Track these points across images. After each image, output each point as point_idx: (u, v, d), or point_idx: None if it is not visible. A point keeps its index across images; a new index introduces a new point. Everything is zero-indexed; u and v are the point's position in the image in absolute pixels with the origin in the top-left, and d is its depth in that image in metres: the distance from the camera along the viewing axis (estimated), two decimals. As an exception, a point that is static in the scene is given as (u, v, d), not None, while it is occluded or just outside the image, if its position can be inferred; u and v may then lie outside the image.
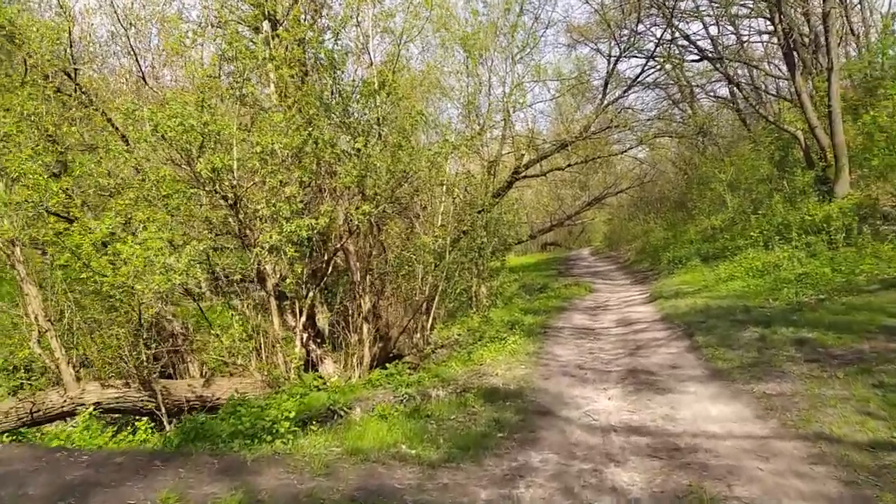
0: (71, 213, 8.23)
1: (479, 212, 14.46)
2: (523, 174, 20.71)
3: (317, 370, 10.24)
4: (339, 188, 9.70)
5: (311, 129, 8.59)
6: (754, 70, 23.79)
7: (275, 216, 8.77)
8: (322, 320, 11.67)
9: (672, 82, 26.47)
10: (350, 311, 11.50)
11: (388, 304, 14.67)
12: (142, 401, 8.17)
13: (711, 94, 27.95)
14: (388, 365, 9.54)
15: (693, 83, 26.68)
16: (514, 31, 17.92)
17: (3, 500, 3.94)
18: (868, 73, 20.51)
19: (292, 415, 5.40)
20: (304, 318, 9.81)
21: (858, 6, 23.35)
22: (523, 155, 20.39)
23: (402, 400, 7.07)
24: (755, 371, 6.82)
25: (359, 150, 9.09)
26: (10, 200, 7.03)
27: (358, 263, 11.03)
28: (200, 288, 10.52)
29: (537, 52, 39.72)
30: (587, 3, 21.98)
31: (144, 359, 8.28)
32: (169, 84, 16.94)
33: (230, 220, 9.18)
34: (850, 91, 20.78)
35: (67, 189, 8.16)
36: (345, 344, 10.80)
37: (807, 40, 18.88)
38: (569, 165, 23.64)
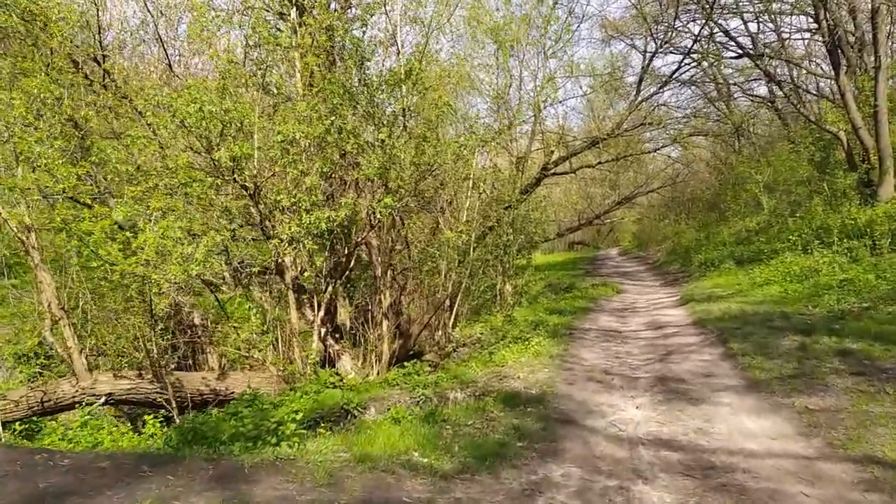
0: (82, 200, 8.08)
1: (506, 208, 14.11)
2: (552, 171, 20.27)
3: (334, 366, 10.01)
4: (362, 180, 9.44)
5: (333, 118, 8.32)
6: (795, 69, 23.01)
7: (295, 207, 8.55)
8: (343, 314, 11.45)
9: (708, 80, 25.79)
10: (370, 307, 11.26)
11: (410, 300, 14.42)
12: (155, 393, 8.02)
13: (749, 92, 27.20)
14: (406, 364, 9.27)
15: (730, 81, 25.99)
16: (548, 24, 17.49)
17: None
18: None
19: (299, 416, 5.12)
20: (322, 313, 9.58)
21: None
22: (553, 151, 19.97)
23: (418, 401, 6.78)
24: (796, 383, 6.36)
25: (383, 141, 8.81)
26: (20, 185, 6.89)
27: (379, 258, 10.78)
28: (222, 279, 10.39)
29: (571, 47, 39.09)
30: (623, -4, 21.39)
31: (156, 350, 8.10)
32: (198, 73, 16.91)
33: (251, 210, 8.99)
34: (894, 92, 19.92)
35: (85, 175, 8.03)
36: (364, 340, 10.55)
37: (852, 38, 18.15)
38: (599, 163, 23.17)
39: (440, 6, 11.17)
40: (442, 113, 9.18)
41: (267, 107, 9.19)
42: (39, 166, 7.04)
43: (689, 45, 20.77)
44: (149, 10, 13.23)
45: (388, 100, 9.14)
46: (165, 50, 12.48)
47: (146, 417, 6.57)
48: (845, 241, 12.64)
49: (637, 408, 6.25)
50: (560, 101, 22.88)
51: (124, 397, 7.95)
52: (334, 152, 8.87)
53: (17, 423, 7.34)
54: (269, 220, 8.74)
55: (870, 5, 15.68)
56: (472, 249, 12.51)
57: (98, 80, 10.73)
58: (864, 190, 15.09)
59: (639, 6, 20.99)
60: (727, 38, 21.10)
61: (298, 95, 9.63)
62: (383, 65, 11.09)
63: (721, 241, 20.35)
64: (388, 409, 6.79)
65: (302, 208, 8.37)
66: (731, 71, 24.61)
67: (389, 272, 10.96)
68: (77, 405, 7.58)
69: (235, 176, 8.10)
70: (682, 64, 21.06)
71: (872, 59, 16.47)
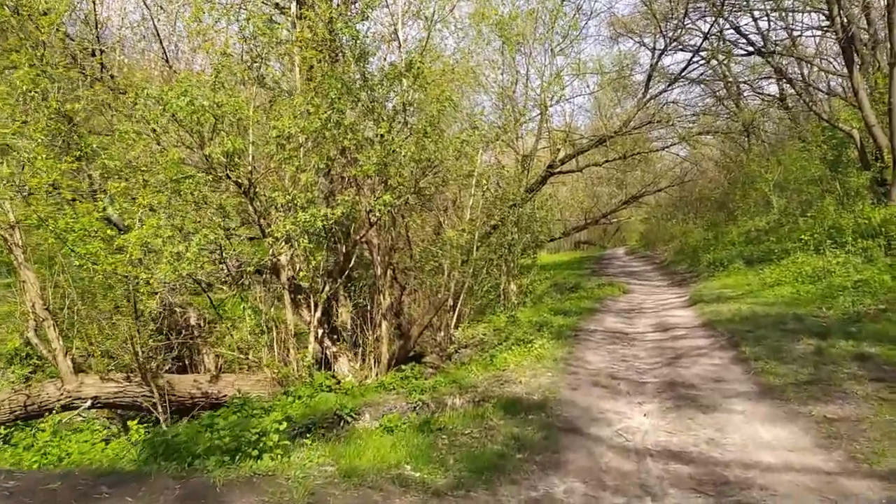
0: (64, 195, 7.78)
1: (511, 206, 13.80)
2: (558, 169, 19.95)
3: (332, 368, 9.73)
4: (361, 177, 9.14)
5: (331, 112, 8.04)
6: (806, 67, 22.62)
7: (291, 205, 8.27)
8: (344, 315, 11.17)
9: (718, 79, 25.42)
10: (370, 307, 10.98)
11: (412, 300, 14.13)
12: (143, 396, 7.76)
13: (759, 90, 26.81)
14: (403, 367, 8.97)
15: (740, 79, 25.61)
16: (555, 20, 17.17)
17: None
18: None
19: (283, 426, 4.80)
20: (319, 313, 9.29)
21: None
22: (559, 150, 19.65)
23: (414, 407, 6.48)
24: (812, 390, 6.03)
25: (382, 136, 8.51)
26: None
27: (379, 257, 10.49)
28: (216, 278, 10.14)
29: (578, 44, 38.70)
30: (631, -9, 21.07)
31: (144, 351, 7.83)
32: (199, 71, 16.67)
33: (247, 207, 8.72)
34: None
35: (72, 170, 7.76)
36: (362, 341, 10.26)
37: (865, 35, 17.78)
38: (606, 161, 22.86)
39: (443, 0, 10.86)
40: (444, 108, 8.85)
41: (263, 102, 8.92)
42: (21, 160, 6.78)
43: (698, 43, 20.54)
44: (146, 5, 12.99)
45: (388, 94, 8.83)
46: (163, 45, 12.23)
47: (130, 423, 6.27)
48: (859, 241, 12.27)
49: (645, 415, 5.93)
50: (567, 99, 22.47)
51: (112, 401, 7.70)
52: (332, 148, 8.58)
53: (2, 428, 7.08)
54: (265, 218, 8.45)
55: (884, 1, 15.30)
56: (475, 248, 12.22)
57: (93, 75, 10.51)
58: (878, 189, 14.71)
59: (648, 3, 20.67)
60: (737, 36, 20.77)
61: (297, 90, 9.35)
62: (385, 60, 10.81)
63: (730, 241, 19.98)
64: (383, 416, 6.51)
65: (298, 206, 8.09)
66: (741, 69, 24.27)
67: (389, 272, 10.67)
68: (64, 409, 7.32)
69: (229, 172, 7.82)
70: (692, 61, 20.77)
71: (886, 56, 16.10)
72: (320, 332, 9.60)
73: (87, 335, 8.32)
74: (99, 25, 12.23)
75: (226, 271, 9.35)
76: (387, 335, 10.18)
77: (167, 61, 12.06)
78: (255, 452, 4.52)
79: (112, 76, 10.54)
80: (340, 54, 10.25)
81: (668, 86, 21.01)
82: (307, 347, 9.17)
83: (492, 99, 17.28)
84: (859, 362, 6.62)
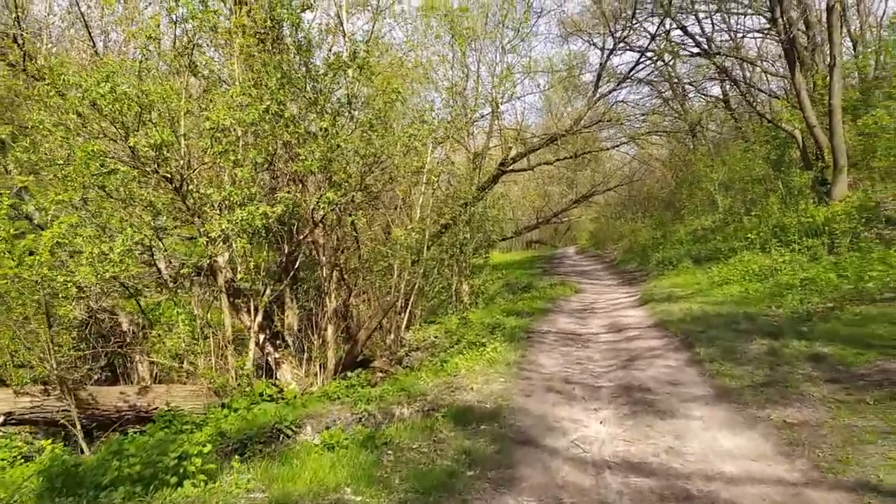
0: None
1: (463, 205, 13.48)
2: (510, 167, 19.77)
3: (275, 376, 9.20)
4: (304, 174, 8.64)
5: (269, 103, 7.53)
6: (749, 68, 23.14)
7: (226, 202, 7.73)
8: (291, 318, 10.65)
9: (664, 79, 25.82)
10: (317, 311, 10.49)
11: (361, 302, 13.65)
12: (62, 411, 7.09)
13: (703, 92, 27.38)
14: (349, 374, 8.53)
15: (685, 81, 26.09)
16: (505, 16, 16.95)
17: None
18: (869, 73, 19.95)
19: (207, 449, 4.31)
20: (259, 318, 8.75)
21: (854, 8, 22.71)
22: (511, 148, 19.48)
23: (360, 418, 6.06)
24: (769, 392, 5.89)
25: (325, 130, 8.05)
26: None
27: (325, 258, 10.00)
28: (153, 280, 9.49)
29: (529, 42, 38.87)
30: (581, -10, 21.12)
31: (57, 361, 7.14)
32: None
33: (180, 205, 8.12)
34: (847, 91, 20.14)
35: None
36: (308, 347, 9.76)
37: (804, 38, 18.23)
38: (557, 160, 22.85)
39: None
40: (391, 100, 8.44)
41: (198, 92, 8.33)
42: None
43: (645, 44, 20.76)
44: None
45: (332, 87, 8.36)
46: (90, 32, 11.40)
47: (43, 443, 5.63)
48: (804, 239, 12.43)
49: (601, 423, 5.66)
50: (518, 97, 22.44)
51: (27, 417, 7.01)
52: (272, 142, 8.06)
53: None
54: (199, 217, 7.88)
55: (823, 5, 15.66)
56: (426, 248, 11.86)
57: (13, 63, 9.73)
58: (820, 188, 15.01)
59: (598, 2, 20.75)
60: (684, 36, 21.03)
61: (235, 80, 8.79)
62: (330, 51, 10.33)
63: (678, 240, 20.19)
64: (327, 428, 6.07)
65: (235, 203, 7.56)
66: (686, 69, 24.69)
67: (336, 273, 10.20)
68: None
69: (158, 166, 7.23)
70: (640, 61, 21.02)
71: (827, 58, 16.47)
72: (261, 337, 9.08)
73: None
74: (20, 9, 11.36)
75: (157, 273, 8.74)
76: (333, 340, 9.72)
77: (95, 50, 11.25)
78: (175, 480, 4.01)
79: (37, 66, 9.78)
80: (283, 44, 9.73)
81: (618, 85, 21.19)
82: (247, 354, 8.64)
83: (442, 96, 16.93)
84: (813, 363, 6.54)
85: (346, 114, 8.83)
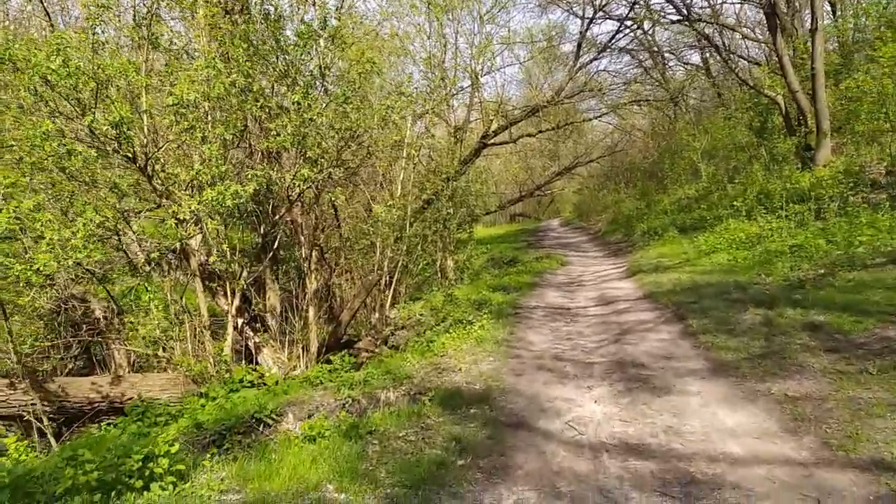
0: None
1: (446, 180, 13.14)
2: (492, 141, 19.40)
3: (256, 361, 8.88)
4: (278, 150, 8.23)
5: (235, 76, 7.09)
6: (728, 36, 22.89)
7: (195, 182, 7.33)
8: (273, 299, 10.29)
9: (644, 48, 25.53)
10: (297, 292, 10.16)
11: (346, 280, 13.34)
12: (31, 404, 6.73)
13: (684, 60, 27.17)
14: (334, 355, 8.23)
15: (664, 49, 25.84)
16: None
17: None
18: (849, 36, 19.77)
19: (174, 448, 3.98)
20: (237, 301, 8.40)
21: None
22: (492, 121, 19.09)
23: (344, 404, 5.78)
24: (767, 364, 5.69)
25: (297, 103, 7.63)
26: None
27: (304, 237, 9.64)
28: (123, 265, 9.07)
29: (507, 12, 38.19)
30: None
31: (18, 352, 6.75)
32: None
33: (145, 185, 7.69)
34: (828, 55, 19.97)
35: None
36: (289, 329, 9.44)
37: (783, 4, 17.97)
38: (540, 132, 22.54)
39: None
40: (365, 71, 8.03)
41: (160, 66, 7.85)
42: None
43: (625, 12, 20.38)
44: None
45: (302, 57, 7.90)
46: (44, 5, 10.75)
47: (8, 440, 5.27)
48: (791, 206, 12.27)
49: (596, 402, 5.42)
50: (498, 69, 22.06)
51: (-9, 413, 6.64)
52: (240, 118, 7.63)
53: None
54: (168, 198, 7.46)
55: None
56: (408, 224, 11.53)
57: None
58: (804, 154, 14.88)
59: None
60: (665, 2, 20.66)
61: (199, 53, 8.31)
62: (301, 21, 9.83)
63: (662, 210, 20.05)
64: (310, 416, 5.79)
65: (204, 183, 7.15)
66: (665, 38, 24.44)
67: (316, 252, 9.85)
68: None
69: (119, 145, 6.78)
70: (620, 29, 20.66)
71: (807, 22, 16.19)
72: (240, 321, 8.73)
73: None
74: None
75: (127, 258, 8.34)
76: (315, 321, 9.41)
77: (52, 26, 10.62)
78: (140, 483, 3.69)
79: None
80: (250, 14, 9.23)
81: (599, 53, 20.88)
82: (226, 339, 8.30)
83: (420, 68, 16.44)
84: (810, 332, 6.35)
85: (319, 86, 8.41)
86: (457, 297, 10.84)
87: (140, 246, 8.47)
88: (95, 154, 6.55)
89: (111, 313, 10.23)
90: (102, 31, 6.91)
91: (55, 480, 3.53)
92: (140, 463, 3.74)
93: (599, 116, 24.89)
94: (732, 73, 20.13)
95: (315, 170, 7.79)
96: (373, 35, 12.37)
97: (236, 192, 6.90)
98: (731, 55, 21.92)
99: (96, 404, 7.24)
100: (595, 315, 9.15)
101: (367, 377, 6.32)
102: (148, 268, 8.51)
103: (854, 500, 3.35)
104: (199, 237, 8.29)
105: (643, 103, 25.83)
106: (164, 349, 8.46)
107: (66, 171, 7.06)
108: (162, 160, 7.83)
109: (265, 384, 7.45)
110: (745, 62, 23.32)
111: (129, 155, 6.88)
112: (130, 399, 7.27)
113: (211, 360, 7.85)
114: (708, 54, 25.69)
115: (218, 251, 7.71)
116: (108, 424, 6.46)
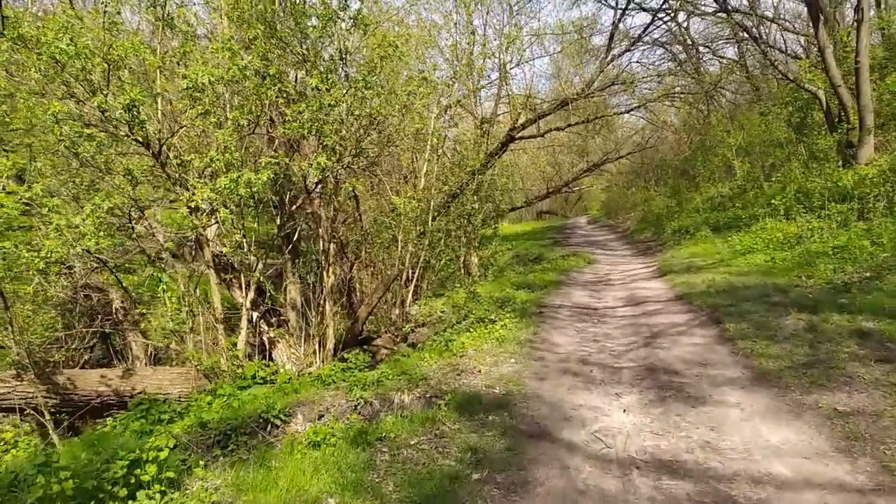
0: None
1: (471, 174, 12.78)
2: (520, 134, 18.96)
3: (271, 357, 8.63)
4: (294, 137, 7.90)
5: (251, 57, 6.81)
6: (765, 29, 22.13)
7: (209, 169, 7.07)
8: (294, 292, 10.04)
9: (678, 42, 24.80)
10: (316, 286, 9.89)
11: (370, 274, 13.07)
12: (40, 397, 6.55)
13: (719, 54, 26.37)
14: (350, 352, 7.94)
15: (699, 43, 25.09)
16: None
17: None
18: (894, 29, 18.93)
19: (164, 455, 3.68)
20: (252, 294, 8.14)
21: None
22: (520, 114, 18.66)
23: (355, 406, 5.47)
24: (813, 374, 5.23)
25: (316, 88, 7.32)
26: None
27: (322, 229, 9.36)
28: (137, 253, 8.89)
29: (538, 2, 37.61)
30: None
31: (24, 342, 6.55)
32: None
33: (159, 172, 7.46)
34: (873, 49, 19.13)
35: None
36: (306, 324, 9.17)
37: (827, -6, 17.24)
38: (569, 126, 21.96)
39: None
40: (387, 55, 7.67)
41: (171, 44, 7.60)
42: None
43: (659, 3, 19.75)
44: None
45: (321, 38, 7.56)
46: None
47: (6, 435, 5.06)
48: (831, 205, 11.66)
49: (625, 411, 5.02)
50: (527, 61, 21.54)
51: (-1, 405, 6.47)
52: (256, 103, 7.35)
53: None
54: (181, 185, 7.22)
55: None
56: (430, 219, 11.19)
57: None
58: (846, 151, 14.19)
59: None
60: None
61: (220, 34, 8.06)
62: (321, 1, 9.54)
63: (694, 208, 19.43)
64: (320, 416, 5.50)
65: (217, 170, 6.89)
66: (699, 29, 23.74)
67: (334, 245, 9.56)
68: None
69: (131, 130, 6.54)
70: (654, 20, 20.00)
71: (850, 14, 15.45)
72: (255, 315, 8.49)
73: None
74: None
75: (140, 247, 8.15)
76: (331, 317, 9.13)
77: (72, 7, 10.46)
78: (124, 492, 3.41)
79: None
80: None
81: (631, 45, 20.20)
82: (240, 333, 8.05)
83: (445, 56, 16.06)
84: (858, 339, 5.86)
85: (341, 72, 8.09)
86: (479, 295, 10.49)
87: (156, 236, 8.27)
88: (105, 137, 6.31)
89: (129, 303, 10.09)
90: (117, 11, 6.66)
91: (26, 491, 3.25)
92: (125, 469, 3.45)
93: (631, 110, 24.22)
94: (772, 66, 19.39)
95: (333, 158, 7.48)
96: (398, 21, 12.03)
97: (249, 181, 6.62)
98: (770, 48, 21.15)
99: (105, 398, 7.04)
100: (624, 316, 8.71)
101: (380, 377, 5.99)
102: (162, 258, 8.32)
103: (926, 538, 2.92)
104: (214, 227, 8.06)
105: (676, 98, 25.14)
106: (177, 342, 8.25)
107: (80, 156, 6.87)
108: (177, 146, 7.60)
109: (276, 382, 7.18)
110: (783, 56, 22.52)
111: (142, 139, 6.65)
112: (140, 393, 7.07)
113: (224, 354, 7.60)
114: (745, 47, 24.88)
115: (232, 242, 7.45)
116: (115, 420, 6.25)
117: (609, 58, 19.71)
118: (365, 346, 9.60)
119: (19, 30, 5.86)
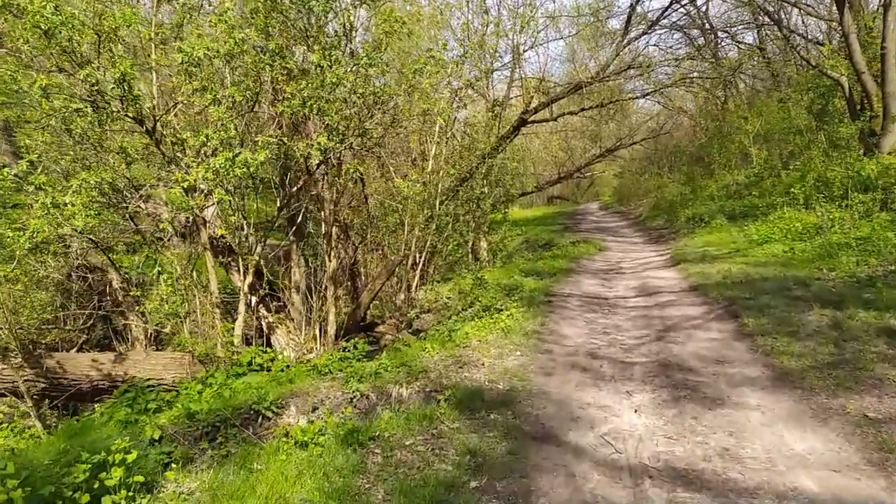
0: None
1: (481, 157, 12.42)
2: (532, 118, 18.52)
3: (269, 343, 8.37)
4: (294, 116, 7.56)
5: (248, 30, 6.47)
6: (786, 14, 21.45)
7: (205, 148, 6.76)
8: (298, 276, 9.78)
9: (696, 27, 24.17)
10: (319, 270, 9.61)
11: (373, 260, 12.79)
12: (26, 381, 6.32)
13: (738, 39, 25.68)
14: (352, 338, 7.66)
15: (717, 27, 24.43)
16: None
17: None
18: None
19: (131, 457, 3.39)
20: (250, 278, 7.86)
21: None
22: (532, 97, 18.21)
23: (351, 399, 5.19)
24: (839, 376, 4.88)
25: (318, 65, 6.97)
26: None
27: (325, 212, 9.06)
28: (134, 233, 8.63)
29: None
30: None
31: (11, 323, 6.31)
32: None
33: (154, 150, 7.17)
34: (898, 34, 18.46)
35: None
36: (307, 309, 8.90)
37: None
38: (582, 110, 21.48)
39: None
40: (393, 30, 7.29)
41: (165, 17, 7.27)
42: None
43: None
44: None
45: (324, 10, 7.19)
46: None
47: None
48: (853, 194, 11.22)
49: (636, 412, 4.70)
50: (541, 44, 20.95)
51: (-18, 389, 6.25)
52: (254, 78, 7.01)
53: None
54: (175, 164, 6.92)
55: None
56: (438, 203, 10.86)
57: None
58: (868, 139, 13.69)
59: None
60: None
61: (219, 8, 7.72)
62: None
63: (709, 196, 19.00)
64: (314, 409, 5.23)
65: (212, 148, 6.58)
66: (719, 12, 23.09)
67: (336, 229, 9.25)
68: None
69: (125, 106, 6.24)
70: (673, 2, 19.41)
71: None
72: (253, 299, 8.22)
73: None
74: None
75: (134, 227, 7.88)
76: (333, 301, 8.84)
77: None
78: (86, 498, 3.12)
79: None
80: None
81: (649, 28, 19.64)
82: (237, 318, 7.79)
83: (458, 37, 15.63)
84: (887, 338, 5.50)
85: (345, 48, 7.73)
86: (486, 281, 10.17)
87: (161, 216, 8.00)
88: (92, 112, 6.00)
89: (129, 284, 9.87)
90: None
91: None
92: (87, 473, 3.18)
93: (646, 95, 23.69)
94: (794, 51, 18.82)
95: (335, 139, 7.15)
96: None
97: (246, 160, 6.30)
98: (792, 33, 20.55)
99: (96, 383, 6.81)
100: (635, 307, 8.36)
101: (379, 369, 5.70)
102: (161, 238, 8.07)
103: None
104: (212, 209, 7.78)
105: (693, 83, 24.57)
106: (173, 326, 8.01)
107: (72, 132, 6.60)
108: (174, 124, 7.29)
109: (271, 370, 6.92)
110: (804, 41, 21.87)
111: (135, 116, 6.34)
112: (133, 378, 6.83)
113: (220, 339, 7.34)
114: (764, 33, 24.21)
115: (228, 223, 7.16)
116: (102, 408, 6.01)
117: (625, 41, 19.19)
118: (368, 332, 9.34)
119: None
